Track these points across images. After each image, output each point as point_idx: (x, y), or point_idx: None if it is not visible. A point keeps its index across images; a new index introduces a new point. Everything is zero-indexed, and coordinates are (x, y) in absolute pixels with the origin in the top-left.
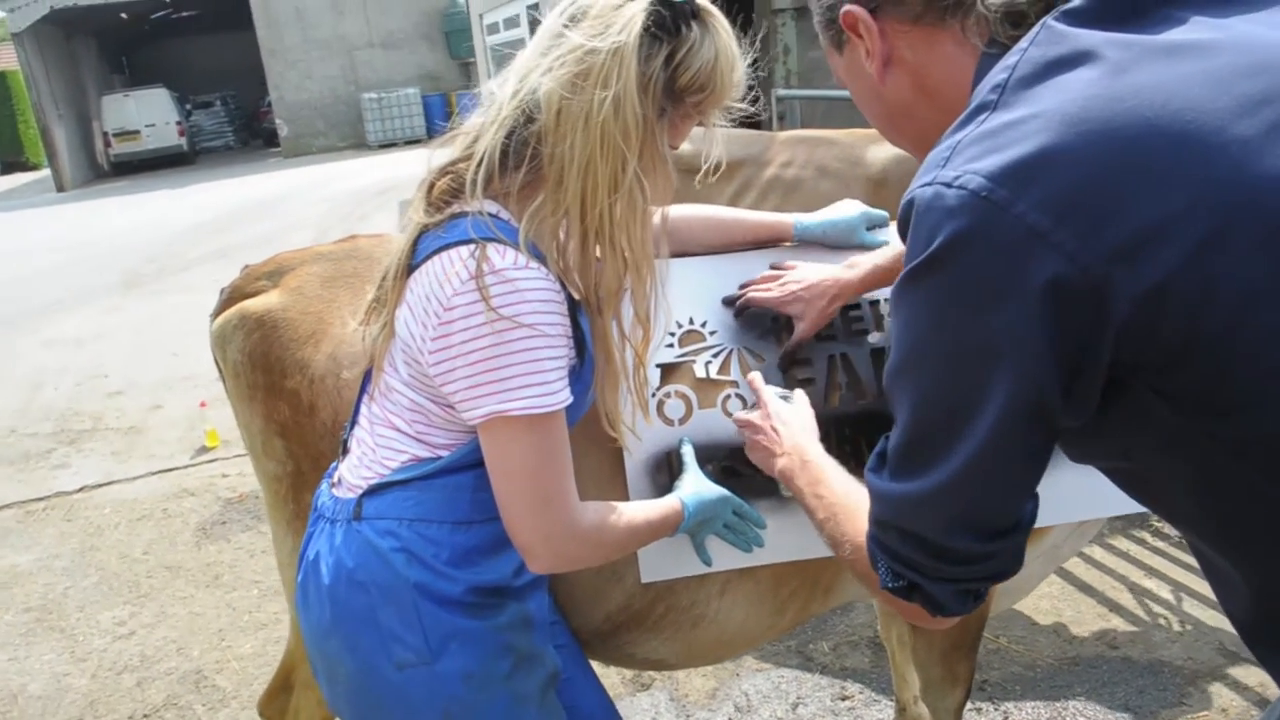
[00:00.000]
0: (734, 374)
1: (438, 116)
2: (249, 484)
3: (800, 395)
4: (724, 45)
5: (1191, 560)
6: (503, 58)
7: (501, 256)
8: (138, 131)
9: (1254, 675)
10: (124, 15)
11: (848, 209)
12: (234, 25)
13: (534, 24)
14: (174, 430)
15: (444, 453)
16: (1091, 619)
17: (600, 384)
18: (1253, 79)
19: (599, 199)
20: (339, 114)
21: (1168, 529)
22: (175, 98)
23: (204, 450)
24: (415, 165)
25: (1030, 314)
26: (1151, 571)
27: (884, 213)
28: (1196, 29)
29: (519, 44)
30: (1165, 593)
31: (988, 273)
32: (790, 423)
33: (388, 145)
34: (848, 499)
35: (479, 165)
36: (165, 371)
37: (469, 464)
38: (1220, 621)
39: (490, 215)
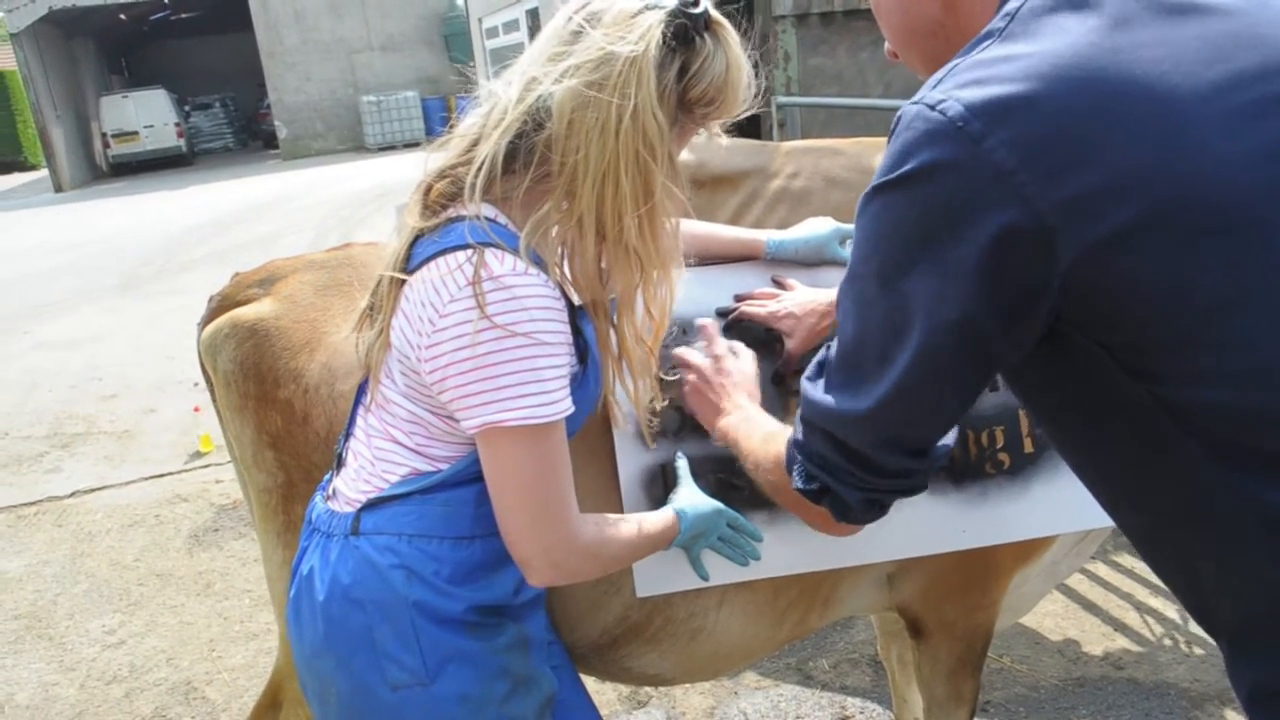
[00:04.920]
0: None
1: (437, 120)
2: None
3: (748, 352)
4: (735, 58)
5: None
6: (502, 61)
7: (500, 262)
8: (136, 132)
9: None
10: (123, 16)
11: (820, 225)
12: (233, 27)
13: (533, 29)
14: (168, 434)
15: (444, 466)
16: (1097, 638)
17: (609, 383)
18: (1253, 50)
19: (624, 211)
20: (338, 116)
21: None
22: (174, 99)
23: (198, 455)
24: (414, 168)
25: (979, 248)
26: (1158, 589)
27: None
28: None
29: (518, 48)
30: (1171, 612)
31: (947, 201)
32: (740, 384)
33: (387, 148)
34: (779, 429)
35: (479, 169)
36: (160, 375)
37: (470, 477)
38: None
39: (488, 219)
